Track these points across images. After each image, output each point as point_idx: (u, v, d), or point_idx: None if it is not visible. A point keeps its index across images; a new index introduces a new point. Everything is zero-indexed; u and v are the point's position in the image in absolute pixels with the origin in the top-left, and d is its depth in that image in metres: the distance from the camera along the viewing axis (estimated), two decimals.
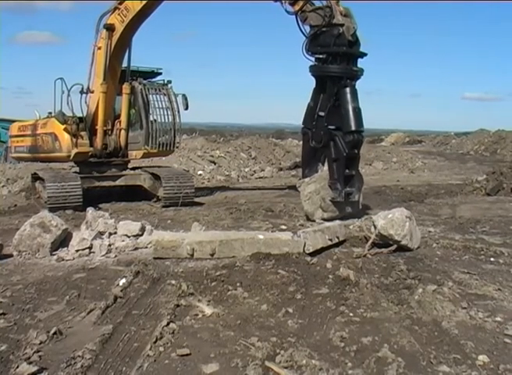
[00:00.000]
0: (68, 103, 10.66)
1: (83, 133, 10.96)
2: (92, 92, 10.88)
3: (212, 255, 6.13)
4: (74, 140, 10.79)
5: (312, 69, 8.64)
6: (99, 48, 10.68)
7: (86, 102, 10.99)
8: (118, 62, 10.93)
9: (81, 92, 10.77)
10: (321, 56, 8.43)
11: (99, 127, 11.05)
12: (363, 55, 8.48)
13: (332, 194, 8.27)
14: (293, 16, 8.56)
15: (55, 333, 3.92)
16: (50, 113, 11.48)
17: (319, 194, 8.33)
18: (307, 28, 8.55)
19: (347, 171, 8.34)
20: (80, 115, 11.02)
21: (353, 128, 8.16)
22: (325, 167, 8.64)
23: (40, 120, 11.86)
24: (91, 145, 11.06)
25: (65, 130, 10.78)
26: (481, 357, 3.66)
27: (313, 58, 8.60)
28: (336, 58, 8.26)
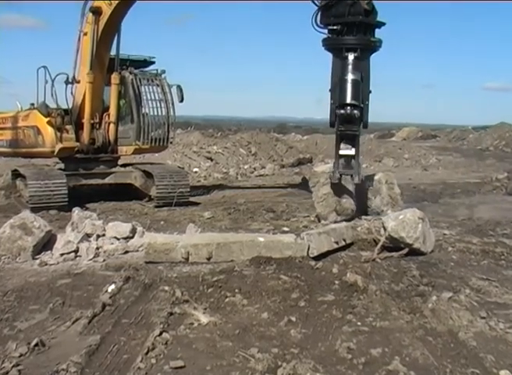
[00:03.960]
0: (52, 94, 10.66)
1: (68, 126, 10.95)
2: (78, 82, 10.86)
3: (209, 258, 6.13)
4: (58, 134, 10.77)
5: (325, 42, 8.55)
6: (85, 34, 10.66)
7: (72, 93, 10.99)
8: (105, 49, 10.90)
9: (66, 82, 10.75)
10: (334, 27, 8.37)
11: (86, 120, 11.03)
12: (380, 24, 8.42)
13: (347, 197, 8.26)
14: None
15: (36, 344, 3.91)
16: (32, 105, 11.46)
17: (335, 197, 8.32)
18: None
19: (345, 151, 8.24)
20: (66, 107, 11.01)
21: (347, 101, 7.95)
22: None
23: (22, 112, 11.84)
24: (77, 140, 11.04)
25: (48, 123, 10.77)
26: (502, 372, 3.65)
27: (325, 31, 8.52)
28: (351, 29, 8.24)
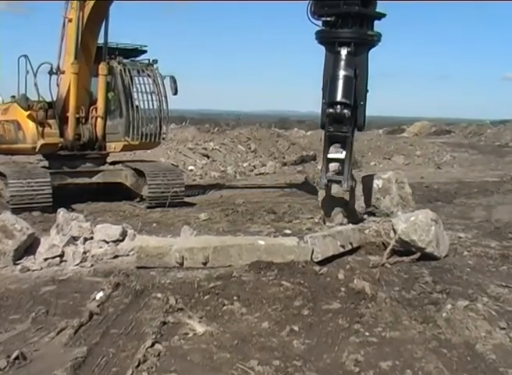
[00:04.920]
0: (34, 85, 10.65)
1: (51, 121, 10.97)
2: (63, 73, 10.87)
3: (205, 263, 6.13)
4: (40, 129, 10.79)
5: (318, 35, 8.44)
6: (70, 21, 10.66)
7: (57, 84, 10.99)
8: (92, 37, 10.91)
9: (50, 73, 10.76)
10: (328, 19, 8.26)
11: (71, 114, 11.04)
12: (380, 16, 8.30)
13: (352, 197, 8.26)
14: None
15: (17, 357, 3.89)
16: (13, 97, 11.49)
17: (343, 198, 8.32)
18: None
19: (334, 154, 8.13)
20: (49, 99, 11.01)
21: (337, 99, 7.79)
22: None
23: (2, 105, 11.87)
24: (61, 136, 11.06)
25: (29, 117, 10.78)
26: None
27: (319, 23, 8.40)
28: (346, 21, 8.14)
